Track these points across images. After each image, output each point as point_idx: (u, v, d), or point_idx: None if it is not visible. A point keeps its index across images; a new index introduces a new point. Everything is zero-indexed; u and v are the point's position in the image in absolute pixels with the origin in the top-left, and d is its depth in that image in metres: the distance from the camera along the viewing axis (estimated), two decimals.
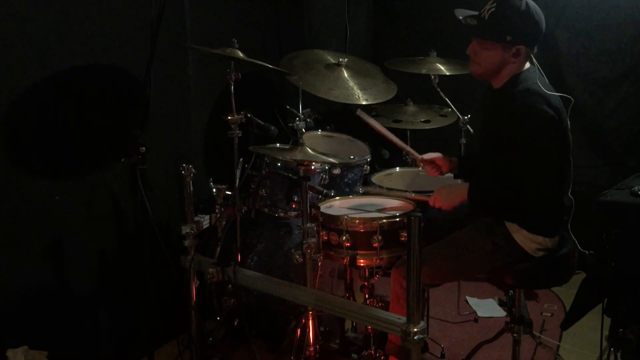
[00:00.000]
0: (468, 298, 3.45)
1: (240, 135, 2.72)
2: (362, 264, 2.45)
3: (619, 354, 2.17)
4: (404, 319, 1.86)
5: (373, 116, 3.45)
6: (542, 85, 2.15)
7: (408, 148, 2.70)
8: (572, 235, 2.29)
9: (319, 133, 3.25)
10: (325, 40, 3.99)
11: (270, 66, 2.73)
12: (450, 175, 2.79)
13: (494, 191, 2.21)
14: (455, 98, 3.26)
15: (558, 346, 2.91)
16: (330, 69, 3.07)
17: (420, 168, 2.94)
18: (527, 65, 2.22)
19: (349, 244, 2.39)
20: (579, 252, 2.31)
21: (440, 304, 3.36)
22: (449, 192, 2.35)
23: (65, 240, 2.47)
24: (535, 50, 2.22)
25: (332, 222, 2.44)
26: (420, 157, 2.62)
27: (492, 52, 2.18)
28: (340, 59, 3.08)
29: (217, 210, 2.69)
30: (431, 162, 2.59)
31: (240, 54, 2.61)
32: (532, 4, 2.16)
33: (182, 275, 2.53)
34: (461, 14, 2.25)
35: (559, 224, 2.25)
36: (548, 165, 2.08)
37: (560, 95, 2.18)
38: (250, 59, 2.63)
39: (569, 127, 2.20)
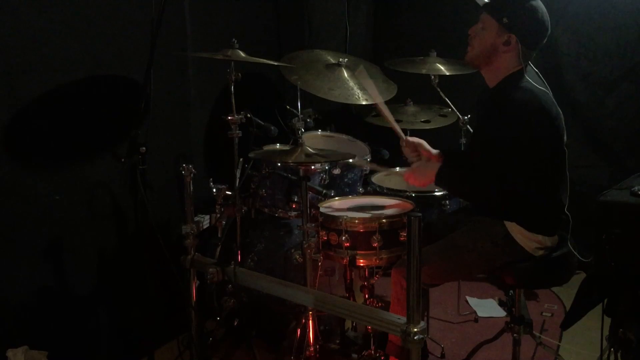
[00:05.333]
0: (468, 298, 3.45)
1: (240, 135, 2.72)
2: (361, 264, 2.45)
3: (619, 354, 2.17)
4: (404, 319, 1.86)
5: (373, 116, 3.46)
6: (539, 87, 2.15)
7: (395, 125, 2.60)
8: (570, 247, 2.28)
9: (319, 133, 3.25)
10: (325, 40, 3.99)
11: (274, 63, 2.71)
12: None
13: (464, 175, 2.24)
14: (455, 98, 3.26)
15: (558, 346, 2.91)
16: (330, 69, 3.07)
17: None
18: (527, 67, 2.21)
19: (348, 244, 2.39)
20: (579, 261, 2.31)
21: (440, 304, 3.36)
22: (422, 170, 2.37)
23: (65, 240, 2.47)
24: (534, 54, 2.22)
25: (331, 222, 2.44)
26: (405, 137, 2.57)
27: (487, 33, 2.19)
28: (340, 59, 3.08)
29: (217, 210, 2.69)
30: (413, 145, 2.56)
31: (242, 54, 2.61)
32: (542, 6, 2.16)
33: (182, 275, 2.53)
34: None
35: (558, 222, 2.25)
36: (531, 160, 2.09)
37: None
38: (253, 58, 2.63)
39: (565, 133, 2.19)
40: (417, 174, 2.38)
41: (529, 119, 2.09)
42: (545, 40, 2.21)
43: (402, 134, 2.59)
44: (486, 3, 2.21)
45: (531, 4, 2.14)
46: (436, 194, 2.78)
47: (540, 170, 2.12)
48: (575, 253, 2.24)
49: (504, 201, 2.14)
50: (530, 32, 2.18)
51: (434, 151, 2.55)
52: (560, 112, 2.18)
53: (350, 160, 2.76)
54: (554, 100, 2.18)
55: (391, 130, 2.78)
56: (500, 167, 2.11)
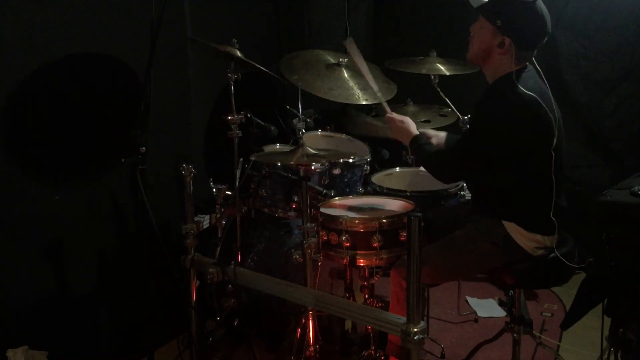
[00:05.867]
0: (468, 298, 3.45)
1: (240, 135, 2.72)
2: (362, 264, 2.45)
3: (619, 354, 2.17)
4: (404, 319, 1.86)
5: (373, 116, 3.46)
6: (539, 88, 2.15)
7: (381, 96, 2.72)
8: (558, 254, 2.28)
9: (319, 133, 3.25)
10: (325, 40, 3.99)
11: (264, 69, 2.70)
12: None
13: (430, 151, 2.38)
14: (455, 98, 3.26)
15: (558, 346, 2.91)
16: (330, 69, 3.07)
17: (420, 167, 2.95)
18: (526, 66, 2.21)
19: (348, 244, 2.39)
20: (578, 253, 2.31)
21: (440, 304, 3.36)
22: (404, 129, 2.51)
23: (65, 240, 2.47)
24: (533, 55, 2.21)
25: (331, 222, 2.44)
26: (390, 113, 2.64)
27: (483, 34, 2.20)
28: (340, 59, 3.08)
29: (217, 210, 2.69)
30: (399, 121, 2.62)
31: (239, 54, 2.61)
32: (540, 6, 2.13)
33: (182, 275, 2.53)
34: None
35: (555, 222, 2.24)
36: (485, 151, 2.15)
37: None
38: (247, 60, 2.62)
39: (556, 137, 2.17)
40: (397, 129, 2.54)
41: (513, 121, 2.09)
42: (545, 40, 2.20)
43: (388, 109, 2.66)
44: (481, 5, 2.19)
45: (527, 5, 2.11)
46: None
47: (521, 171, 2.15)
48: (563, 260, 2.23)
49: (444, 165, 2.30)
50: (525, 34, 2.16)
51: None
52: (553, 115, 2.14)
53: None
54: (545, 104, 2.13)
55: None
56: (485, 163, 2.16)
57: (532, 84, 2.16)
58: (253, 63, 2.63)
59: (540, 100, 2.12)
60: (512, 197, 2.20)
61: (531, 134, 2.12)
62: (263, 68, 2.68)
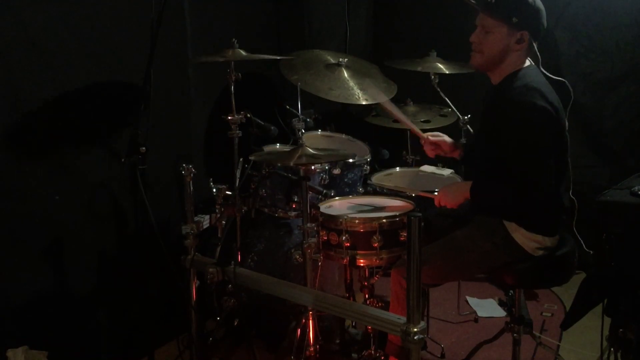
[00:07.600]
0: (468, 298, 3.45)
1: (240, 135, 2.72)
2: (362, 264, 2.45)
3: (619, 354, 2.17)
4: (404, 319, 1.86)
5: (373, 116, 3.46)
6: (541, 82, 2.16)
7: (414, 127, 2.66)
8: (578, 235, 2.28)
9: (319, 133, 3.25)
10: (325, 40, 3.99)
11: (277, 57, 2.68)
12: (451, 176, 2.79)
13: (494, 189, 2.21)
14: (455, 98, 3.26)
15: (558, 346, 2.91)
16: (330, 69, 3.07)
17: (420, 168, 2.95)
18: (528, 63, 2.22)
19: (348, 244, 2.38)
20: (580, 252, 2.31)
21: (440, 304, 3.36)
22: (453, 190, 2.34)
23: (65, 240, 2.47)
24: (536, 46, 2.22)
25: (331, 222, 2.43)
26: (425, 136, 2.58)
27: (496, 36, 2.17)
28: (340, 59, 3.08)
29: (217, 210, 2.69)
30: (436, 144, 2.57)
31: (243, 53, 2.61)
32: None
33: (182, 275, 2.53)
34: None
35: (558, 223, 2.24)
36: (546, 161, 2.08)
37: (558, 82, 2.22)
38: (254, 55, 2.62)
39: (567, 127, 2.20)
40: (450, 197, 2.32)
41: (531, 115, 2.08)
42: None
43: (422, 134, 2.60)
44: (490, 7, 2.16)
45: None
46: (436, 194, 2.77)
47: (542, 166, 2.10)
48: (564, 260, 2.23)
49: (516, 201, 2.14)
50: (537, 24, 2.18)
51: (458, 144, 2.58)
52: (560, 101, 2.18)
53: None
54: (553, 90, 2.18)
55: (391, 130, 2.77)
56: (507, 165, 2.11)
57: (537, 73, 2.19)
58: (259, 55, 2.62)
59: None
60: (527, 200, 2.17)
61: (555, 125, 2.14)
62: (270, 56, 2.65)
